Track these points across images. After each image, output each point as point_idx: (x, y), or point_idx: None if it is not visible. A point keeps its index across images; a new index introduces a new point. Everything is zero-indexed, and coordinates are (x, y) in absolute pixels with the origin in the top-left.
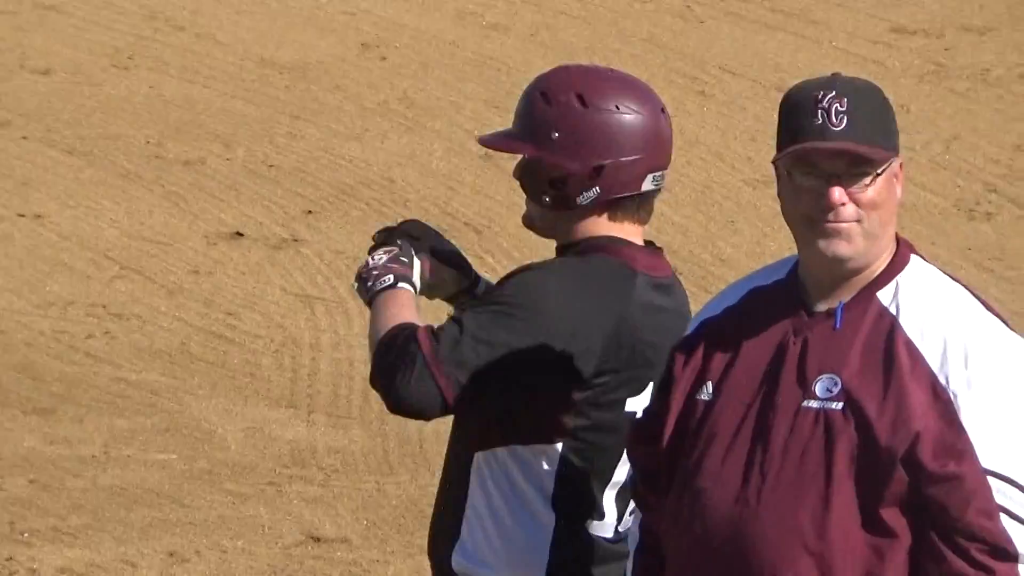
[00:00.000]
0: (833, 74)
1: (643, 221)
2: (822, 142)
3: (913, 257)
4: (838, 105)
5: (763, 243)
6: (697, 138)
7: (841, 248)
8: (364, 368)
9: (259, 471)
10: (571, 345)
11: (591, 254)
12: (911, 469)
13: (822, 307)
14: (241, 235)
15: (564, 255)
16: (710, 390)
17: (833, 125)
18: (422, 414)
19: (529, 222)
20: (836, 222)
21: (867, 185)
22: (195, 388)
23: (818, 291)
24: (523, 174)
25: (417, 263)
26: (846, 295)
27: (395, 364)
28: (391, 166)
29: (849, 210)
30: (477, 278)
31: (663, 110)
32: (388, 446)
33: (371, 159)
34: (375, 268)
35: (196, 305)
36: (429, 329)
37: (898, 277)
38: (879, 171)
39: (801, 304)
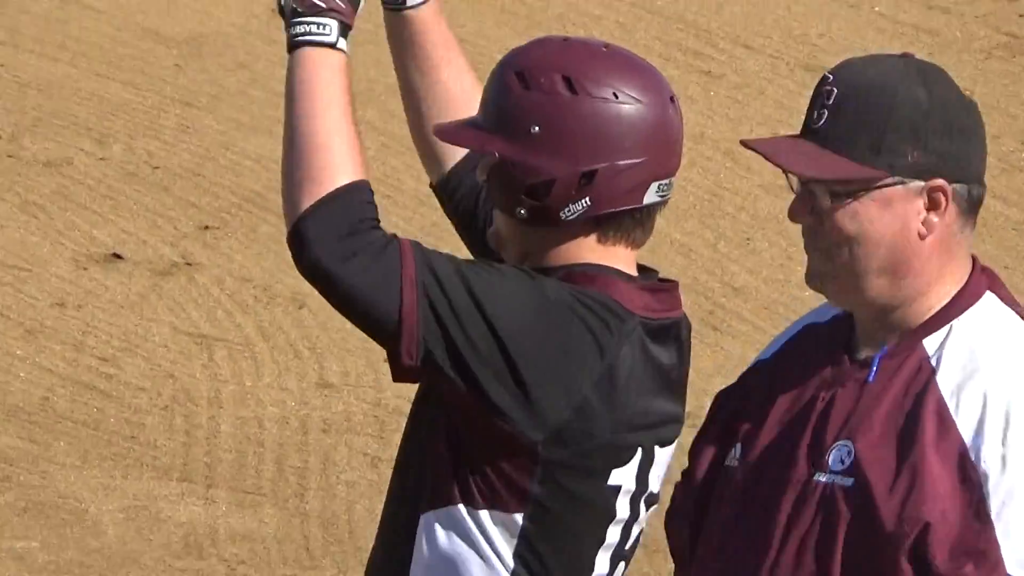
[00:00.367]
0: (903, 54)
1: (639, 244)
2: (768, 141)
3: (988, 295)
4: (825, 97)
5: (788, 267)
6: (702, 132)
7: (817, 284)
8: (278, 431)
9: (144, 563)
10: (544, 376)
11: (579, 286)
12: (918, 567)
13: (864, 353)
14: (119, 257)
15: None
16: (737, 454)
17: (812, 121)
18: (369, 311)
19: (497, 240)
20: (809, 249)
21: (834, 209)
22: (61, 456)
23: (864, 332)
24: (491, 178)
25: None
26: (892, 339)
27: (347, 221)
28: None
29: (815, 235)
30: None
31: (672, 99)
32: (309, 530)
33: None
34: None
35: (62, 348)
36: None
37: (955, 320)
38: (855, 192)
39: (846, 348)
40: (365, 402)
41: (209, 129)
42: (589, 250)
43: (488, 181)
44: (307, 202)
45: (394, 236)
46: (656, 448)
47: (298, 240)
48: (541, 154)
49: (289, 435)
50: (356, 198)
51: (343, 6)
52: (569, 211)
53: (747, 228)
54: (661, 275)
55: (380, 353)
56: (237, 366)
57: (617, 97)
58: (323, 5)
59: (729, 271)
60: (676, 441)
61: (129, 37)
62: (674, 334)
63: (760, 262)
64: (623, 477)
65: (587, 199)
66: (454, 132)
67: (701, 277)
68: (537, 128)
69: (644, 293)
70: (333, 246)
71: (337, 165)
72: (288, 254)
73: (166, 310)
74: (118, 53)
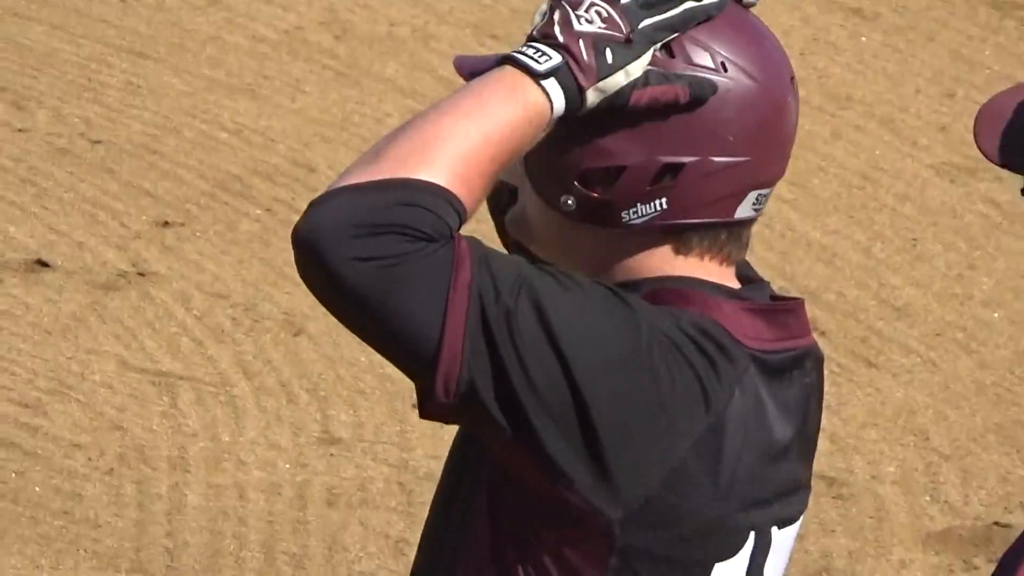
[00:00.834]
0: None
1: (734, 261)
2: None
3: None
4: None
5: (969, 278)
6: (849, 93)
7: None
8: (266, 503)
9: None
10: (630, 437)
11: (666, 305)
12: None
13: None
14: (45, 266)
15: None
16: None
17: None
18: (398, 328)
19: (524, 231)
20: None
21: None
22: None
23: None
24: (534, 150)
25: (648, 55)
26: None
27: (388, 217)
28: (310, 140)
29: None
30: None
31: (792, 80)
32: None
33: (274, 127)
34: (570, 27)
35: None
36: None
37: None
38: None
39: None
40: (386, 464)
41: (169, 89)
42: (666, 261)
43: (530, 153)
44: (356, 177)
45: (450, 237)
46: (774, 530)
47: (308, 220)
48: (614, 132)
49: (282, 509)
50: (422, 199)
51: (584, 58)
52: (635, 213)
53: (912, 225)
54: (780, 290)
55: (407, 394)
56: (209, 414)
57: (726, 69)
58: (559, 39)
59: (888, 284)
60: (800, 519)
61: None
62: (799, 371)
63: (931, 272)
64: (731, 571)
65: (662, 200)
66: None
67: (849, 292)
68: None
69: (755, 317)
70: (350, 237)
71: (435, 162)
72: (281, 260)
73: (111, 337)
74: None
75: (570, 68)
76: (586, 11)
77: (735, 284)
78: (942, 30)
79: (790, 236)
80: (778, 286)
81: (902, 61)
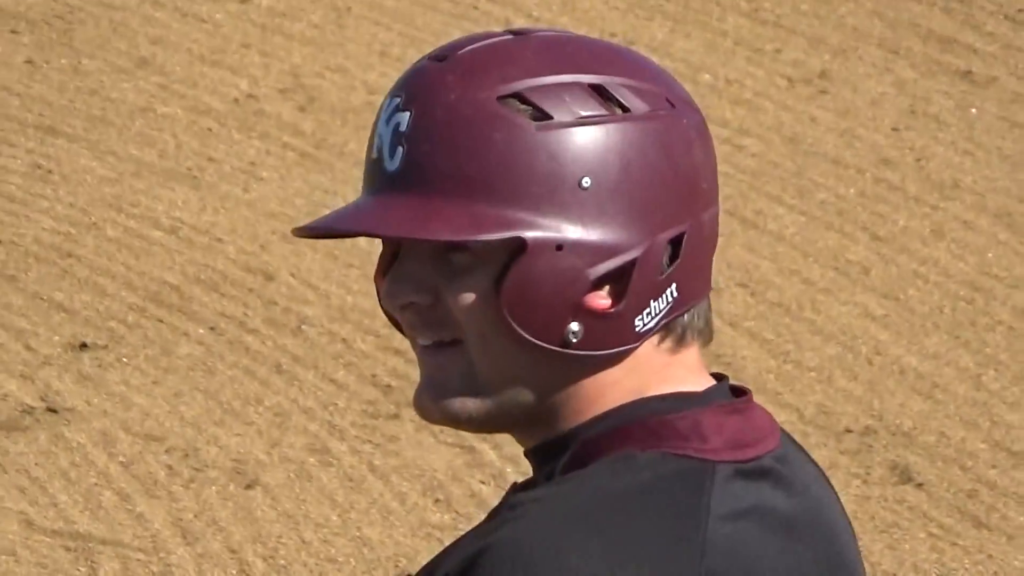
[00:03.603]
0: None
1: (710, 337)
2: None
3: None
4: None
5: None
6: (957, 179)
7: None
8: None
9: None
10: None
11: (639, 463)
12: None
13: None
14: None
15: (565, 468)
16: None
17: None
18: None
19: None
20: None
21: None
22: None
23: None
24: (516, 291)
25: None
26: None
27: None
28: (267, 239)
29: None
30: None
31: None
32: None
33: (221, 224)
34: None
35: None
36: None
37: None
38: None
39: None
40: None
41: (87, 175)
42: (654, 372)
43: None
44: None
45: None
46: None
47: None
48: (601, 221)
49: None
50: None
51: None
52: (649, 315)
53: None
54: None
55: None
56: None
57: (675, 107)
58: None
59: (1003, 422)
60: None
61: None
62: (783, 465)
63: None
64: None
65: (674, 287)
66: (416, 223)
67: (954, 433)
68: (589, 180)
69: (721, 419)
70: None
71: None
72: (230, 393)
73: (14, 490)
74: None
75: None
76: None
77: (706, 377)
78: None
79: (879, 362)
80: (864, 425)
81: (1023, 138)
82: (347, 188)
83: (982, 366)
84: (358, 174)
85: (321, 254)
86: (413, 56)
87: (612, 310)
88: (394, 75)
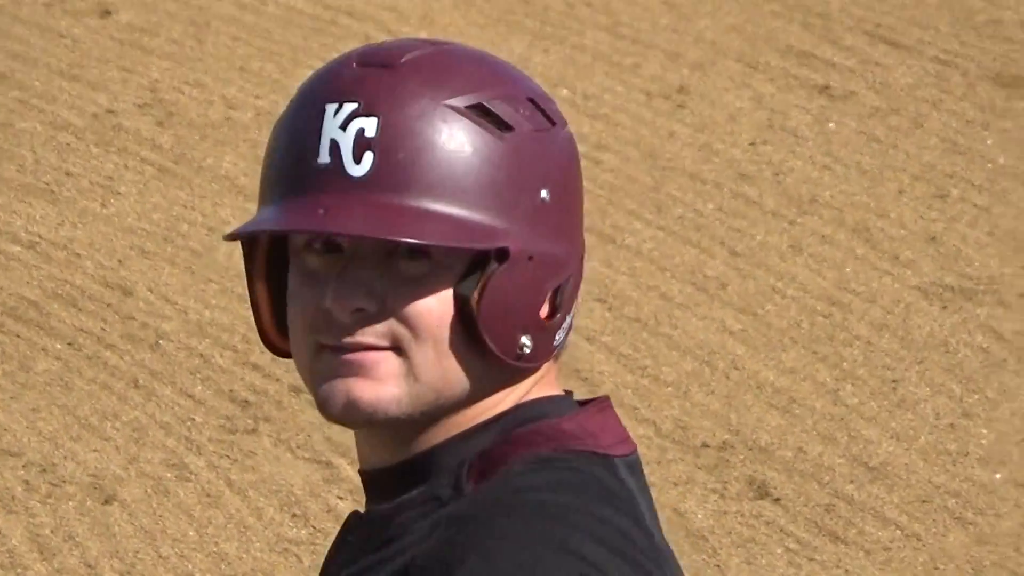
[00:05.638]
0: None
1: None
2: None
3: None
4: None
5: (964, 427)
6: (814, 194)
7: None
8: None
9: None
10: None
11: (559, 463)
12: None
13: None
14: None
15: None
16: None
17: None
18: None
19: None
20: None
21: None
22: None
23: None
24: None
25: None
26: None
27: None
28: (125, 254)
29: None
30: None
31: None
32: None
33: (79, 239)
34: None
35: None
36: None
37: None
38: None
39: None
40: None
41: None
42: (536, 381)
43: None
44: None
45: None
46: None
47: None
48: (554, 234)
49: None
50: None
51: None
52: (563, 329)
53: (892, 363)
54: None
55: None
56: None
57: (565, 124)
58: None
59: (861, 437)
60: None
61: None
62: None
63: (915, 422)
64: None
65: (577, 295)
66: (396, 225)
67: (811, 448)
68: (547, 192)
69: (596, 420)
70: None
71: None
72: (88, 408)
73: None
74: None
75: None
76: None
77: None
78: (932, 113)
79: (736, 377)
80: (721, 440)
81: (881, 153)
82: (205, 203)
83: (839, 381)
84: (217, 188)
85: (179, 269)
86: (272, 71)
87: (550, 323)
88: (253, 90)
